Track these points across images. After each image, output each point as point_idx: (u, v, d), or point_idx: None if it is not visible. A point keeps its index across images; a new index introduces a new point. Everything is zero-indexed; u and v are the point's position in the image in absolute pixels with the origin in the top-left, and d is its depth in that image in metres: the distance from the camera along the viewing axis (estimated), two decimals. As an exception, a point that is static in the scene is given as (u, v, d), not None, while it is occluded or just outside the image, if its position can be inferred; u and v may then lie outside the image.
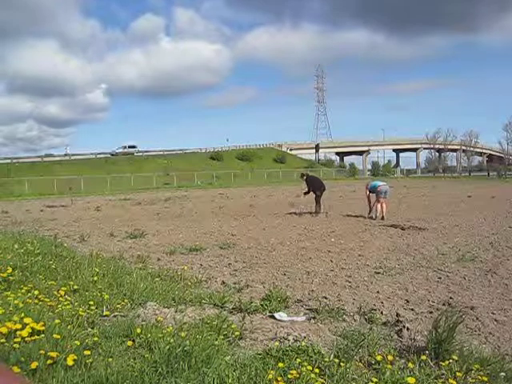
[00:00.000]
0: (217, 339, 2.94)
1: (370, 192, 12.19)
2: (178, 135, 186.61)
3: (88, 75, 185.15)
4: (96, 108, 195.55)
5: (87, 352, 2.55)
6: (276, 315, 3.77)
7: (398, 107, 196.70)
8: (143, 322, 3.24)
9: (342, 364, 2.66)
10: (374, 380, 2.46)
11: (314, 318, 3.80)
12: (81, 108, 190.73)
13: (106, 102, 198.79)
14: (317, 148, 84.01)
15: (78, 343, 2.65)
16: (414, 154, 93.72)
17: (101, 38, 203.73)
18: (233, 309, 3.97)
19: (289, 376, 2.44)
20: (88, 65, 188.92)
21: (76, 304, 3.59)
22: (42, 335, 2.71)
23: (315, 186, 13.37)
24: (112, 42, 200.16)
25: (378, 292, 4.76)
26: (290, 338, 3.19)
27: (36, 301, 3.55)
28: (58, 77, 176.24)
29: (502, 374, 2.64)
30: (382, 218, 11.41)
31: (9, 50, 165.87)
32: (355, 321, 3.79)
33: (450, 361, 2.73)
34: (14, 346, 2.52)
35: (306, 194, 13.62)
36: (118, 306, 3.71)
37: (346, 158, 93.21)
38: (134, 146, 60.14)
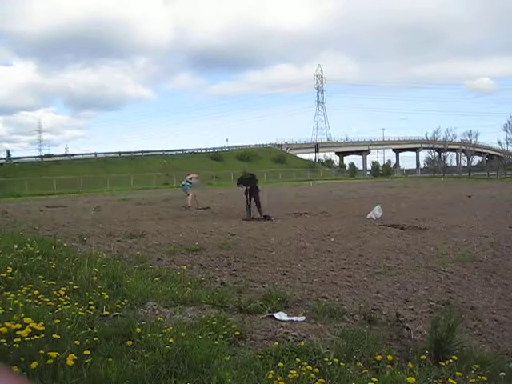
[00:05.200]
0: (217, 339, 2.94)
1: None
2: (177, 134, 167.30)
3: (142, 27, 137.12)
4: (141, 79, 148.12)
5: (87, 352, 2.54)
6: (276, 315, 3.77)
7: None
8: (143, 322, 3.24)
9: (342, 364, 2.66)
10: (374, 380, 2.46)
11: (314, 317, 3.80)
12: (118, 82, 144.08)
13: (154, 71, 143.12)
14: (316, 148, 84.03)
15: (78, 343, 2.64)
16: (414, 153, 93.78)
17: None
18: (233, 309, 3.97)
19: (289, 376, 2.43)
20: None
21: (76, 304, 3.58)
22: (42, 335, 2.70)
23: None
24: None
25: (377, 292, 4.76)
26: (290, 337, 3.19)
27: (36, 301, 3.55)
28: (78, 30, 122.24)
29: (502, 374, 2.64)
30: None
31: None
32: (355, 321, 3.79)
33: (450, 361, 2.73)
34: (14, 345, 2.52)
35: (258, 201, 12.90)
36: (118, 306, 3.71)
37: (345, 158, 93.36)
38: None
